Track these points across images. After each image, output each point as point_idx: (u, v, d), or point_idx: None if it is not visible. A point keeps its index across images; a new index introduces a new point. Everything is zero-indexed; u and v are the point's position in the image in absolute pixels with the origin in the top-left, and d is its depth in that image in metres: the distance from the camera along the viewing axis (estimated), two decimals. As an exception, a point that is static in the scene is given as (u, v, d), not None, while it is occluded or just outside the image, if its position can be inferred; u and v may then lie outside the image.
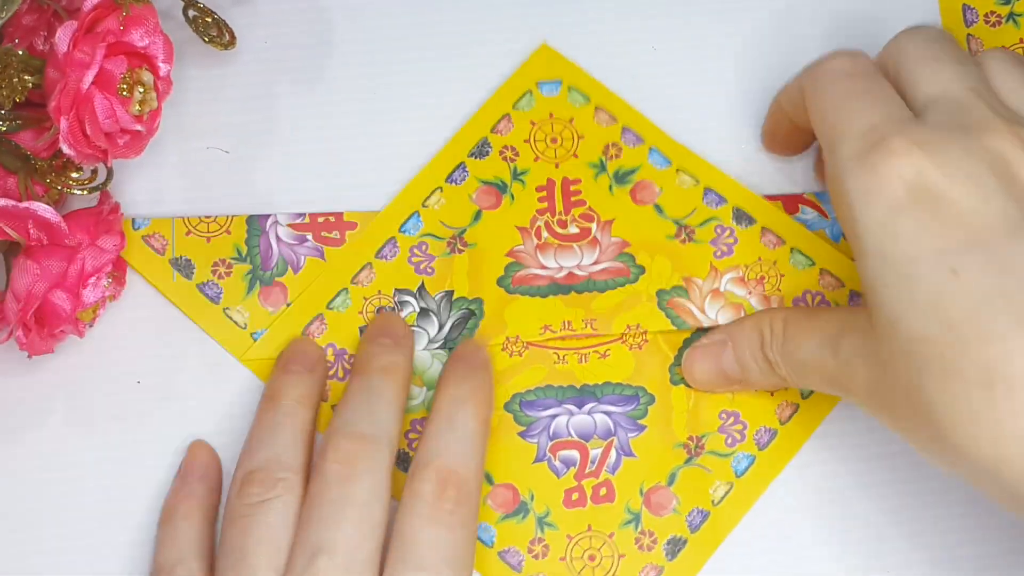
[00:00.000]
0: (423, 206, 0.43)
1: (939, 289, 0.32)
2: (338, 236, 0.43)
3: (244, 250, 0.43)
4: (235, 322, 0.42)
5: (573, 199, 0.43)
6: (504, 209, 0.43)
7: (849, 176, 0.34)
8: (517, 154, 0.44)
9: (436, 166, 0.44)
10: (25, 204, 0.37)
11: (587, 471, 0.41)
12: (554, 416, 0.41)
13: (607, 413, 0.41)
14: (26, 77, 0.38)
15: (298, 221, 0.43)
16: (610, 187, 0.43)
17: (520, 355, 0.42)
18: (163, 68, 0.39)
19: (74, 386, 0.42)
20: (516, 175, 0.43)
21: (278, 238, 0.43)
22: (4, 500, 0.41)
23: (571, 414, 0.41)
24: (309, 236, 0.43)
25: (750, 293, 0.42)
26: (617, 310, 0.42)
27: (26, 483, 0.41)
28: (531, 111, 0.44)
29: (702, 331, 0.42)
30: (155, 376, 0.42)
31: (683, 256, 0.43)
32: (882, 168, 0.33)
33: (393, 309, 0.42)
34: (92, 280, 0.39)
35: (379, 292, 0.42)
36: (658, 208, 0.43)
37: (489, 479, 0.41)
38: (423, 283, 0.42)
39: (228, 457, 0.41)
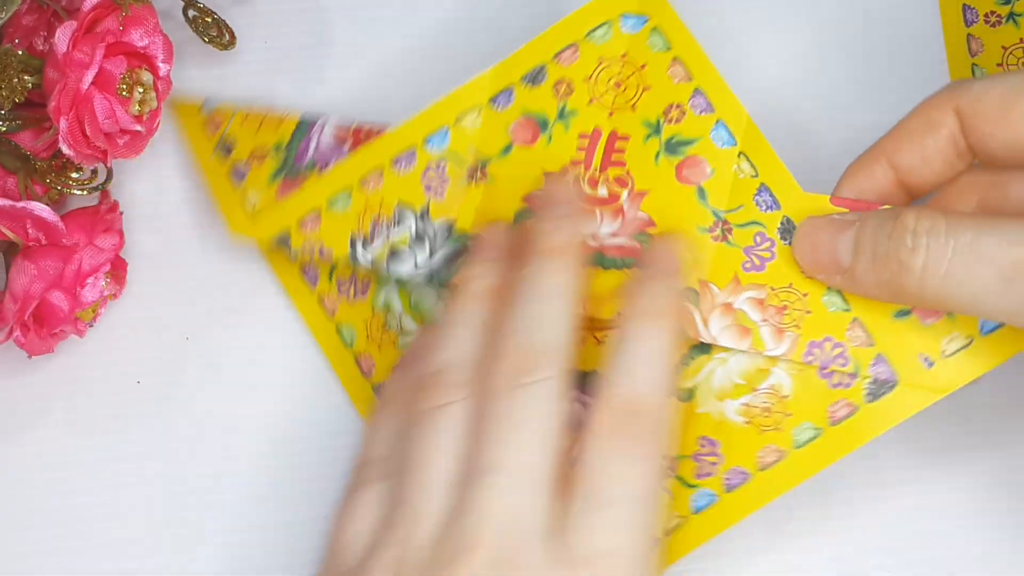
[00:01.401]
0: (456, 122, 0.39)
1: None
2: None
3: (285, 142, 0.41)
4: (248, 201, 0.41)
5: (614, 157, 0.38)
6: (538, 149, 0.39)
7: None
8: (572, 90, 0.38)
9: (483, 83, 0.39)
10: (23, 204, 0.37)
11: None
12: None
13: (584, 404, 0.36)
14: (26, 77, 0.39)
15: (344, 126, 0.41)
16: (657, 154, 0.38)
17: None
18: (163, 68, 0.39)
19: (74, 386, 0.42)
20: (562, 115, 0.38)
21: (319, 141, 0.41)
22: (4, 500, 0.41)
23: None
24: (348, 144, 0.40)
25: (764, 321, 0.36)
26: (614, 294, 0.37)
27: (26, 483, 0.41)
28: (603, 45, 0.38)
29: (700, 346, 0.37)
30: (155, 376, 0.42)
31: (709, 255, 0.37)
32: None
33: (391, 224, 0.39)
34: (90, 280, 0.39)
35: (382, 201, 0.39)
36: (701, 192, 0.37)
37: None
38: (428, 204, 0.39)
39: (229, 456, 0.41)
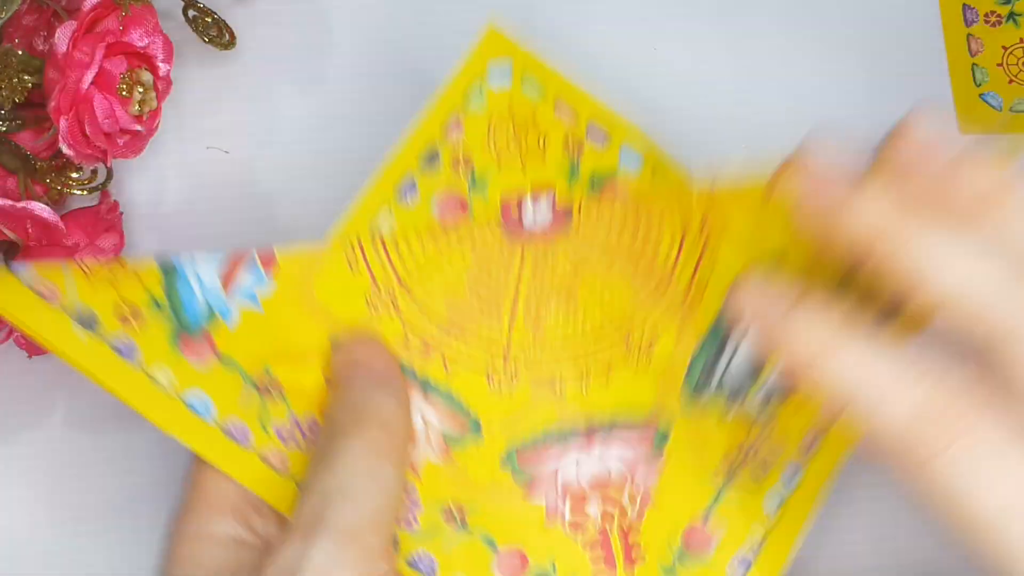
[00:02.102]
0: (369, 226, 0.37)
1: None
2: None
3: (161, 297, 0.35)
4: (158, 381, 0.35)
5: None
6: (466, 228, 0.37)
7: None
8: (471, 161, 0.37)
9: (383, 184, 0.37)
10: (23, 204, 0.37)
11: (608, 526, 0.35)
12: (558, 468, 0.36)
13: (619, 455, 0.36)
14: (26, 77, 0.39)
15: (224, 261, 0.36)
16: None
17: (511, 389, 0.36)
18: (163, 68, 0.39)
19: (74, 386, 0.42)
20: (475, 185, 0.37)
21: (200, 285, 0.35)
22: (4, 500, 0.41)
23: (577, 464, 0.36)
24: (266, 272, 0.36)
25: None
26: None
27: (26, 483, 0.41)
28: (486, 112, 0.38)
29: None
30: (155, 376, 0.42)
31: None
32: None
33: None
34: (91, 280, 0.39)
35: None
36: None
37: (491, 543, 0.35)
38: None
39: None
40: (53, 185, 0.40)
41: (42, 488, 0.41)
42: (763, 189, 0.34)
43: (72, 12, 0.39)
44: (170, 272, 0.35)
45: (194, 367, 0.35)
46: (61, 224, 0.38)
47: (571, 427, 0.36)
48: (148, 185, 0.44)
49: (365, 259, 0.36)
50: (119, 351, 0.35)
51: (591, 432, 0.36)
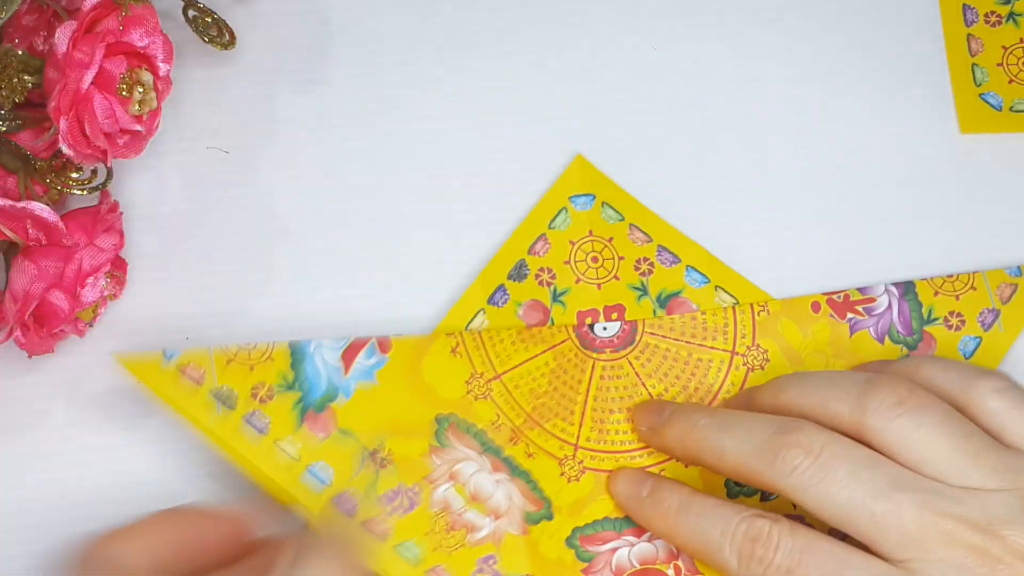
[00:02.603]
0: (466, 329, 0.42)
1: None
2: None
3: (289, 376, 0.39)
4: (283, 452, 0.38)
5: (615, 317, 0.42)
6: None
7: None
8: (554, 276, 0.42)
9: (475, 291, 0.42)
10: (23, 204, 0.37)
11: None
12: (615, 549, 0.39)
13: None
14: (26, 77, 0.39)
15: (343, 347, 0.40)
16: (653, 312, 0.42)
17: (578, 480, 0.40)
18: (163, 68, 0.39)
19: (74, 386, 0.42)
20: (556, 297, 0.42)
21: (323, 364, 0.40)
22: (4, 500, 0.41)
23: (631, 545, 0.39)
24: (379, 356, 0.40)
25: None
26: None
27: (26, 483, 0.41)
28: (567, 230, 0.43)
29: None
30: (155, 376, 0.42)
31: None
32: None
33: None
34: (90, 280, 0.39)
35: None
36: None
37: None
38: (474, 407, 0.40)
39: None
40: (53, 185, 0.40)
41: (41, 488, 0.41)
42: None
43: (72, 12, 0.39)
44: (299, 355, 0.40)
45: (319, 440, 0.39)
46: (61, 224, 0.38)
47: (625, 516, 0.40)
48: (148, 185, 0.44)
49: (466, 347, 0.41)
50: (254, 427, 0.39)
51: None
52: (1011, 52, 0.46)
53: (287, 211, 0.44)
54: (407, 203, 0.44)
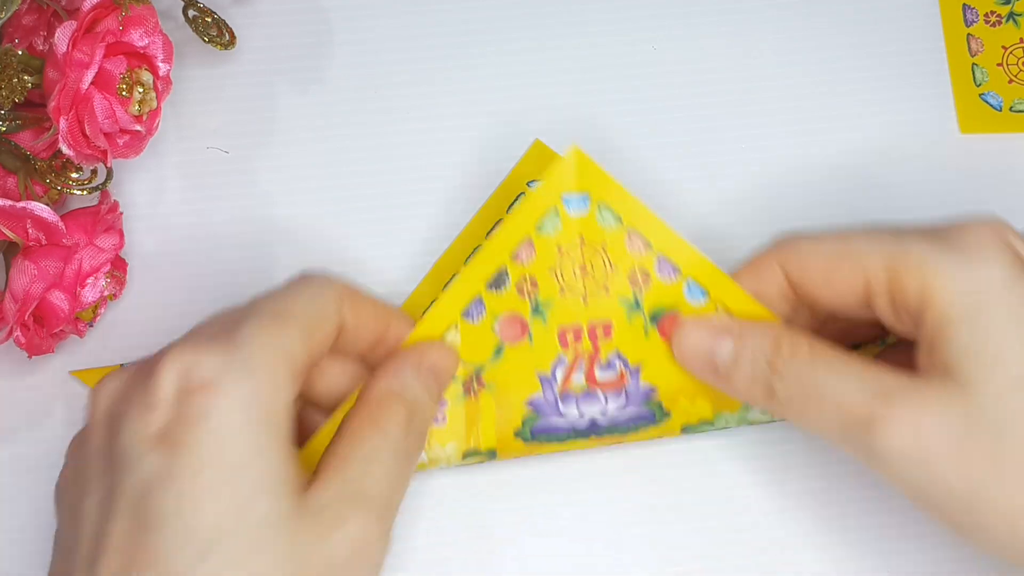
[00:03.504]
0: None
1: None
2: None
3: None
4: None
5: (603, 348, 0.39)
6: (528, 347, 0.39)
7: None
8: (536, 285, 0.38)
9: (451, 300, 0.38)
10: (23, 204, 0.37)
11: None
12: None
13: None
14: (26, 77, 0.39)
15: None
16: (645, 330, 0.39)
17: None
18: (163, 68, 0.39)
19: (74, 386, 0.42)
20: (537, 310, 0.39)
21: None
22: (4, 500, 0.41)
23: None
24: None
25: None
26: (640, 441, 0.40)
27: (26, 483, 0.41)
28: (557, 236, 0.38)
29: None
30: (155, 376, 0.42)
31: (720, 395, 0.39)
32: None
33: None
34: (90, 280, 0.39)
35: None
36: None
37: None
38: (430, 434, 0.39)
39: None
40: (53, 185, 0.40)
41: (42, 488, 0.41)
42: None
43: (72, 12, 0.39)
44: None
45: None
46: (61, 224, 0.38)
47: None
48: (148, 185, 0.44)
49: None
50: None
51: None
52: (1011, 52, 0.46)
53: (287, 211, 0.44)
54: (407, 203, 0.44)
